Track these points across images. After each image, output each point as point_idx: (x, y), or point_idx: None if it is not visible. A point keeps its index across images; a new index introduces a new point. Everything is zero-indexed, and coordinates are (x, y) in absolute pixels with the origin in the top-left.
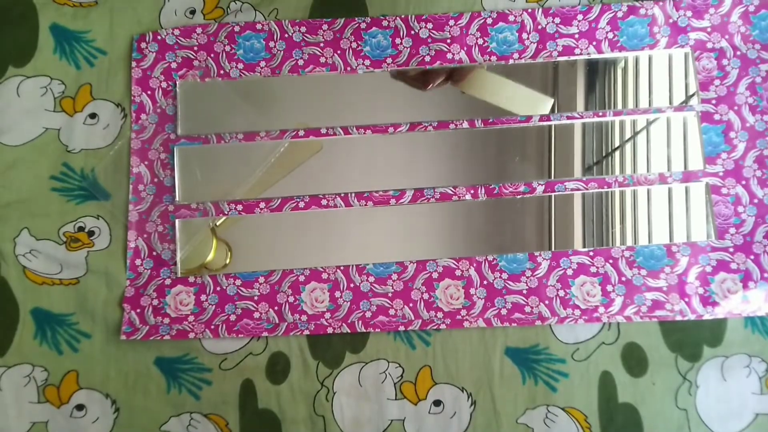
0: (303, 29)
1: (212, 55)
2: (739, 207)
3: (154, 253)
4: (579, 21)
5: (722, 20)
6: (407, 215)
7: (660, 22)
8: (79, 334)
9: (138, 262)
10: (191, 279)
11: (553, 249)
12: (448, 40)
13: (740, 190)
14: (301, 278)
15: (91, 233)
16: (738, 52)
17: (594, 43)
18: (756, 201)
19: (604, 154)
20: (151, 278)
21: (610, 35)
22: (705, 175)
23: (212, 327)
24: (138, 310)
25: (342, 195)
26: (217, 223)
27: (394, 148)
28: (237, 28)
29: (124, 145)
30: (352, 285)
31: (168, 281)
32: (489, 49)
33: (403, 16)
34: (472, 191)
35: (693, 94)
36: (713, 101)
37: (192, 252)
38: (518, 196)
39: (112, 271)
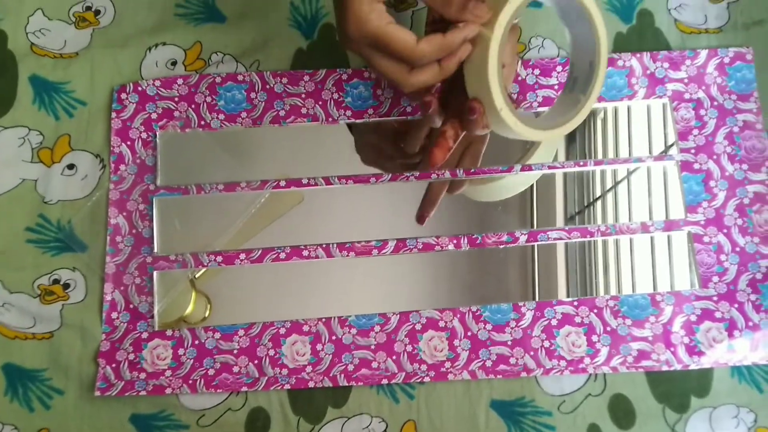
0: (284, 80)
1: (193, 106)
2: (722, 255)
3: (131, 306)
4: (558, 72)
5: (698, 71)
6: (390, 266)
7: (638, 73)
8: (52, 390)
9: (114, 315)
10: (169, 332)
11: (537, 299)
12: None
13: (722, 239)
14: (282, 331)
15: (66, 286)
16: (715, 103)
17: None
18: (738, 249)
19: (586, 204)
20: (128, 332)
21: None
22: (686, 224)
23: (190, 382)
24: (113, 365)
25: (324, 246)
26: (196, 276)
27: (376, 198)
28: (218, 79)
29: (102, 196)
30: (334, 337)
31: (145, 335)
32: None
33: None
34: (454, 241)
35: (672, 144)
36: (692, 150)
37: (170, 305)
38: (501, 246)
39: (87, 325)
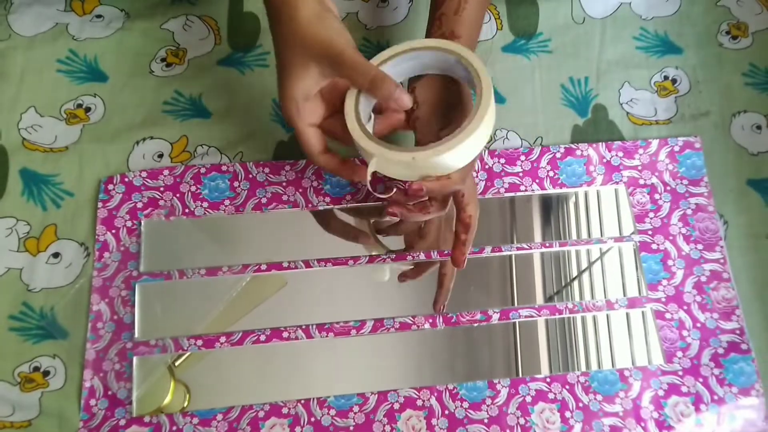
0: (266, 170)
1: (178, 195)
2: (684, 331)
3: (110, 393)
4: (522, 161)
5: (651, 159)
6: (368, 345)
7: (595, 161)
8: None
9: (93, 402)
10: (147, 419)
11: (511, 376)
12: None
13: (683, 315)
14: (261, 414)
15: (46, 373)
16: (668, 187)
17: (537, 180)
18: (699, 325)
19: (563, 284)
20: (106, 419)
21: (551, 173)
22: (648, 301)
23: None
24: None
25: (303, 327)
26: (176, 364)
27: (354, 279)
28: (203, 170)
29: (85, 284)
30: (312, 419)
31: (123, 421)
32: None
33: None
34: (430, 320)
35: (631, 230)
36: (649, 232)
37: (149, 394)
38: (475, 324)
39: (65, 413)
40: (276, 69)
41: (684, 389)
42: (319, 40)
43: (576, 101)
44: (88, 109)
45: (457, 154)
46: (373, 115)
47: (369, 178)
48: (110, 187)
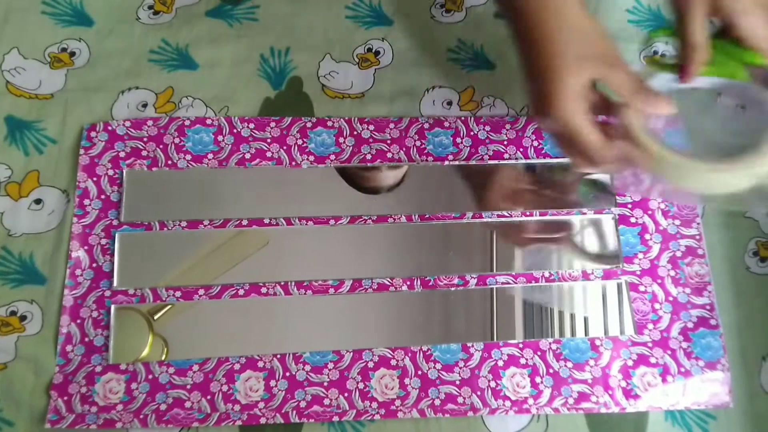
0: (251, 126)
1: (161, 146)
2: (656, 304)
3: (87, 340)
4: (507, 129)
5: None
6: (346, 304)
7: None
8: (2, 422)
9: (69, 348)
10: (123, 366)
11: (485, 340)
12: (389, 141)
13: (656, 288)
14: (237, 366)
15: (23, 318)
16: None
17: (521, 149)
18: (671, 299)
19: (542, 252)
20: (82, 365)
21: (536, 143)
22: (624, 273)
23: (141, 416)
24: (65, 398)
25: (282, 283)
26: (155, 318)
27: (334, 239)
28: (187, 122)
29: (65, 230)
30: (288, 374)
31: (99, 368)
32: (426, 150)
33: (347, 118)
34: (408, 282)
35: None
36: (629, 206)
37: (126, 346)
38: (452, 288)
39: (41, 358)
40: (531, 56)
41: (652, 360)
42: (601, 37)
43: None
44: (72, 54)
45: None
46: None
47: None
48: (93, 134)
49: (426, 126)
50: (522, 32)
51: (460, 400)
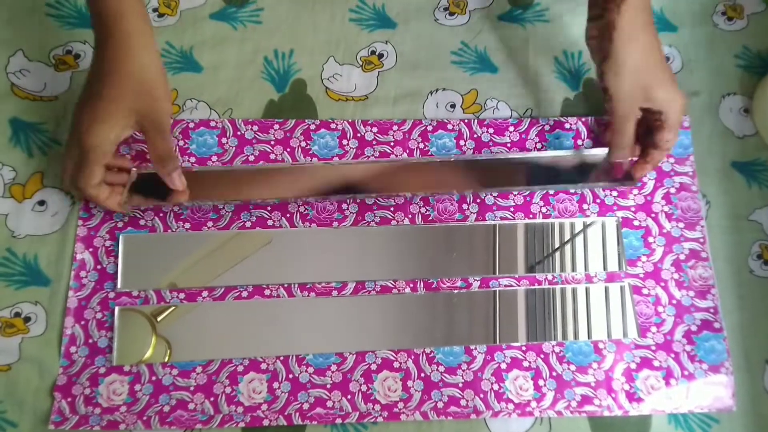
0: (255, 128)
1: None
2: (659, 307)
3: (91, 341)
4: (510, 132)
5: None
6: (349, 307)
7: (583, 135)
8: (6, 423)
9: (73, 349)
10: (127, 368)
11: (488, 343)
12: (392, 143)
13: (660, 291)
14: (240, 368)
15: (27, 319)
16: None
17: (525, 151)
18: (674, 302)
19: (545, 255)
20: (85, 366)
21: (539, 145)
22: (627, 276)
23: (144, 418)
24: (69, 399)
25: (285, 285)
26: (158, 319)
27: (337, 242)
28: (191, 124)
29: (69, 232)
30: (291, 376)
31: (102, 369)
32: (429, 153)
33: (350, 120)
34: (411, 285)
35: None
36: (632, 208)
37: (130, 347)
38: (455, 291)
39: (45, 359)
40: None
41: (656, 363)
42: (160, 91)
43: (568, 74)
44: (77, 56)
45: None
46: None
47: None
48: None
49: (429, 128)
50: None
51: (463, 402)
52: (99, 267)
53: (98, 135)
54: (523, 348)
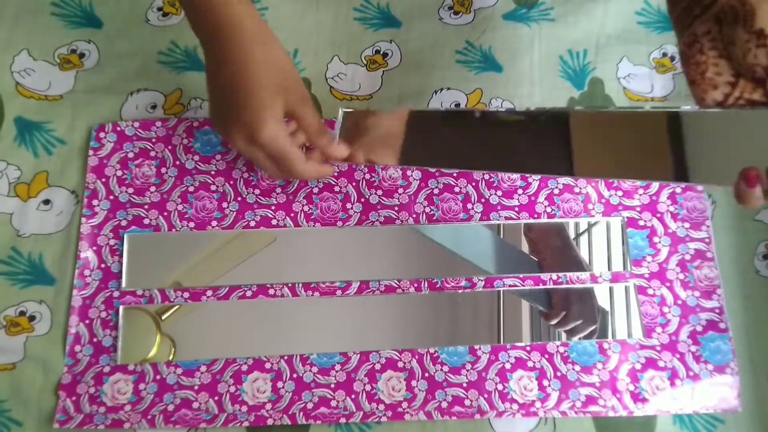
0: None
1: (169, 148)
2: (665, 307)
3: (95, 340)
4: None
5: None
6: (353, 306)
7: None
8: (11, 422)
9: (78, 348)
10: (131, 367)
11: (492, 343)
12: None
13: (665, 291)
14: (244, 368)
15: (32, 318)
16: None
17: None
18: (680, 302)
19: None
20: (90, 365)
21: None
22: (632, 276)
23: (149, 417)
24: (73, 398)
25: (289, 285)
26: (163, 318)
27: (342, 240)
28: (196, 123)
29: (74, 231)
30: (295, 375)
31: (107, 368)
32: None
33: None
34: (415, 285)
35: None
36: (638, 208)
37: (134, 346)
38: (459, 291)
39: (50, 358)
40: (223, 86)
41: (661, 363)
42: (296, 74)
43: (573, 73)
44: (82, 55)
45: None
46: None
47: None
48: (102, 135)
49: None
50: (216, 63)
51: (467, 402)
52: (103, 266)
53: (268, 124)
54: (528, 348)
